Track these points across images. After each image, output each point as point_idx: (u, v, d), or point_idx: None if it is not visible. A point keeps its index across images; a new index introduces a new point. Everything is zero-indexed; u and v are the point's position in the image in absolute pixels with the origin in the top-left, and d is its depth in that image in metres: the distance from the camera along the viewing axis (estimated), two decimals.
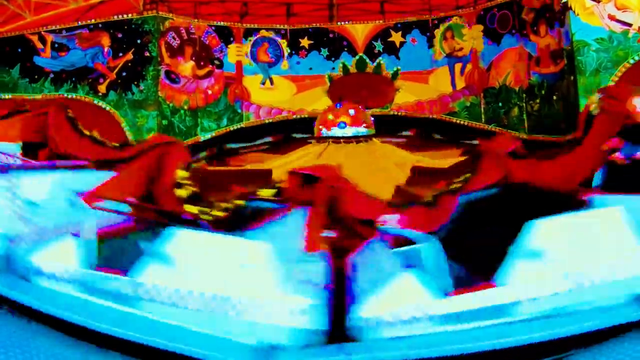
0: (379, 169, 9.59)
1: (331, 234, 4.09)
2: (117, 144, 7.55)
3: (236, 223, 3.99)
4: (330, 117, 12.11)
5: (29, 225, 3.73)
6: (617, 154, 4.09)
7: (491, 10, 12.92)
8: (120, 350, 2.84)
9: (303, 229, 3.81)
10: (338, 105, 12.53)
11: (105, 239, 3.87)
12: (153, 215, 5.07)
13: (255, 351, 2.71)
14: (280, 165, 9.72)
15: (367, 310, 2.91)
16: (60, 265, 3.32)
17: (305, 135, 12.58)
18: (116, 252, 3.70)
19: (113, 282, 3.13)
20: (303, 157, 10.75)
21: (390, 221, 4.19)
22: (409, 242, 3.97)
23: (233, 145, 12.82)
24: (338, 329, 2.93)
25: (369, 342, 2.86)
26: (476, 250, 3.83)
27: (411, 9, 13.59)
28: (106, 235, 3.99)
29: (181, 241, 3.10)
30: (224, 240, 3.13)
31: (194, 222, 4.43)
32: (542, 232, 3.04)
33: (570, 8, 10.29)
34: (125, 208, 4.76)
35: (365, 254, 3.57)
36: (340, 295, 3.20)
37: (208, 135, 12.75)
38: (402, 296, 2.92)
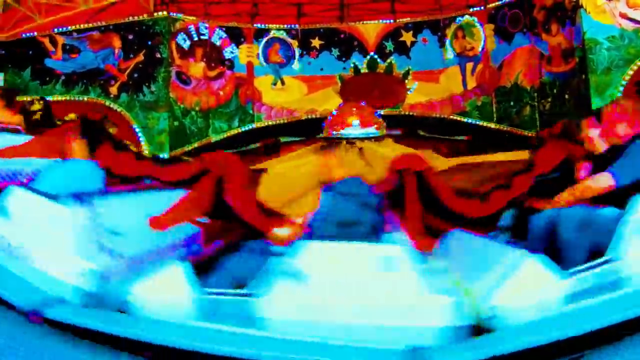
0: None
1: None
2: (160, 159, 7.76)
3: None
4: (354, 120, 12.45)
5: (114, 257, 3.50)
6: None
7: (502, 9, 13.20)
8: None
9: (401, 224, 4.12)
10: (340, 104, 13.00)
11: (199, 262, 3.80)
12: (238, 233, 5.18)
13: (402, 355, 2.67)
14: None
15: (498, 299, 2.91)
16: (169, 294, 3.16)
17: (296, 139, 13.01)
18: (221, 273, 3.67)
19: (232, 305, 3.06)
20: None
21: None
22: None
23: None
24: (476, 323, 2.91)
25: (505, 330, 2.85)
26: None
27: (422, 9, 13.89)
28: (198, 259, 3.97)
29: (310, 254, 3.04)
30: (362, 249, 3.08)
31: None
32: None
33: (582, 6, 10.56)
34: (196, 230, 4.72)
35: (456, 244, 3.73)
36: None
37: (219, 136, 13.16)
38: (527, 282, 2.92)
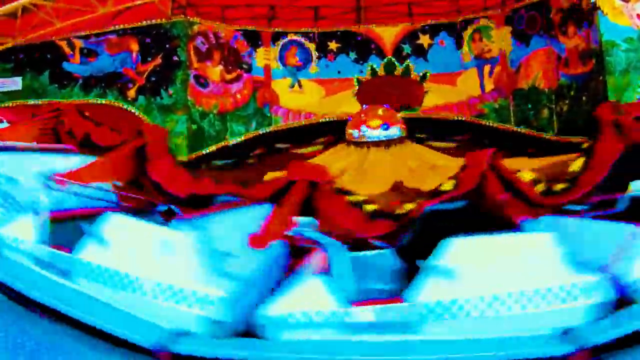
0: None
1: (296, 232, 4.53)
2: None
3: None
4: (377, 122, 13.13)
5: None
6: None
7: (519, 11, 13.80)
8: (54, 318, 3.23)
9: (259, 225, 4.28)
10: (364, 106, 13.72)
11: (57, 221, 4.13)
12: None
13: (166, 334, 3.01)
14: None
15: (274, 309, 3.16)
16: (21, 239, 3.78)
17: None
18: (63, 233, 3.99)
19: (56, 258, 3.59)
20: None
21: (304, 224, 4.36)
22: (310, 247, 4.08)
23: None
24: (244, 325, 3.20)
25: (271, 340, 3.09)
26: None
27: (439, 11, 14.49)
28: (58, 218, 4.25)
29: (116, 226, 3.47)
30: (151, 228, 3.51)
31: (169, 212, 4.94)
32: (456, 250, 3.18)
33: (599, 8, 11.10)
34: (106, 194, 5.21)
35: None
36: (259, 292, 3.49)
37: (237, 139, 13.87)
38: (308, 300, 3.13)
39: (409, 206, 6.35)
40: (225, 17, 14.18)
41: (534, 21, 13.60)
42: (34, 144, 5.51)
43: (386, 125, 12.88)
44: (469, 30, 14.49)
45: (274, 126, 14.35)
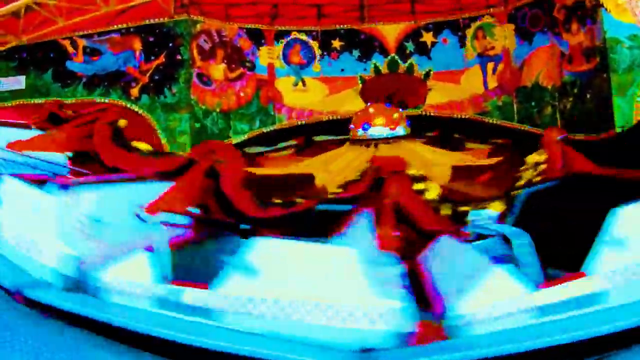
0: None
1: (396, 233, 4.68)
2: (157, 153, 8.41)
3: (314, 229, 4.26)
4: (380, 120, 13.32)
5: (97, 243, 3.95)
6: None
7: (522, 8, 13.97)
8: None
9: (374, 230, 4.32)
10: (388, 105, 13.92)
11: (178, 251, 4.19)
12: (216, 227, 5.54)
13: (349, 354, 3.04)
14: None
15: (462, 308, 3.23)
16: (134, 280, 3.66)
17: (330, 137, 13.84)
18: (193, 264, 4.07)
19: (195, 295, 3.49)
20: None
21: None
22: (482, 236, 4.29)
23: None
24: (428, 329, 3.24)
25: (464, 339, 3.14)
26: (559, 241, 4.06)
27: (442, 9, 14.67)
28: (178, 246, 4.32)
29: (264, 250, 3.44)
30: (309, 248, 3.46)
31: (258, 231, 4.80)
32: (626, 220, 3.26)
33: (602, 5, 11.23)
34: (186, 220, 5.12)
35: (443, 252, 3.99)
36: (422, 295, 3.56)
37: (241, 138, 14.04)
38: (494, 291, 3.22)
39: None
40: (229, 15, 14.35)
41: (537, 18, 13.75)
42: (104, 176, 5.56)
43: (384, 124, 13.07)
44: (472, 28, 14.66)
45: (278, 124, 14.54)
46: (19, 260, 3.80)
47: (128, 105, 13.31)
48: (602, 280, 3.20)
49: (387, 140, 13.34)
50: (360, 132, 13.31)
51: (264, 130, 14.38)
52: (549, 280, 3.33)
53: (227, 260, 3.55)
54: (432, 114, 14.45)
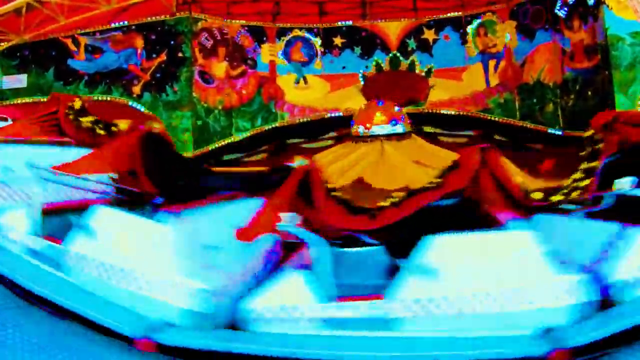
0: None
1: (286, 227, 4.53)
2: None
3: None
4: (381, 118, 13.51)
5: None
6: None
7: (524, 5, 14.10)
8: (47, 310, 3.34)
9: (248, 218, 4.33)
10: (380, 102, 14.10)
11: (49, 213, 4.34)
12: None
13: (151, 324, 3.10)
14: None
15: (255, 303, 3.26)
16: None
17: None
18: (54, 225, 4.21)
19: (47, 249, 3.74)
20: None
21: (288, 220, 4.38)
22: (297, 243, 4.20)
23: None
24: (228, 317, 3.30)
25: (252, 333, 3.19)
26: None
27: (444, 6, 14.84)
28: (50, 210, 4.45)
29: (439, 248, 3.33)
30: (139, 221, 3.57)
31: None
32: (438, 248, 3.26)
33: (604, 2, 11.33)
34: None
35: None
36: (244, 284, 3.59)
37: (243, 135, 14.25)
38: (289, 295, 3.23)
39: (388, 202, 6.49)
40: (230, 13, 14.55)
41: (539, 15, 13.88)
42: (34, 138, 5.71)
43: (394, 121, 13.21)
44: (474, 25, 14.82)
45: (280, 122, 14.74)
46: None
47: (130, 103, 13.48)
48: (397, 305, 3.19)
49: (389, 137, 13.44)
50: (360, 129, 13.46)
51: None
52: (349, 295, 3.33)
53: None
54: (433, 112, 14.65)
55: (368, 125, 13.22)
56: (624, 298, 3.19)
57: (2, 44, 13.69)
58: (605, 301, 3.22)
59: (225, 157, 13.49)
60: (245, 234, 4.32)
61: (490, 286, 3.18)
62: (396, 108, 13.60)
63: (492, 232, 3.52)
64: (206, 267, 3.57)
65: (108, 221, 3.75)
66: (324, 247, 4.00)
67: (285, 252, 4.37)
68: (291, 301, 3.25)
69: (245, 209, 4.53)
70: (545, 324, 3.05)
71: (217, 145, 13.74)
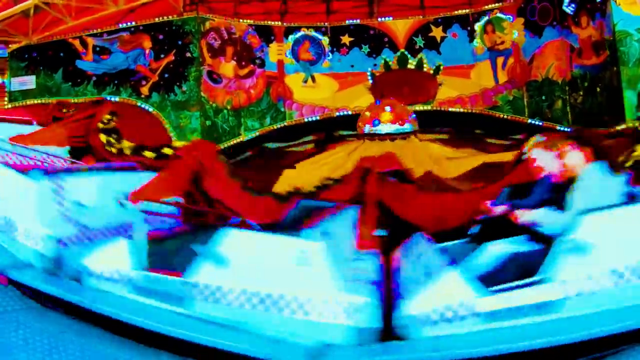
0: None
1: (383, 232, 4.76)
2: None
3: (290, 223, 4.30)
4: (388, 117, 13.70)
5: (78, 227, 4.11)
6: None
7: (532, 2, 14.25)
8: (173, 350, 3.29)
9: (355, 227, 4.38)
10: (377, 102, 14.31)
11: (155, 241, 4.22)
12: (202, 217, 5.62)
13: (308, 350, 3.02)
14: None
15: (413, 308, 3.17)
16: (113, 267, 3.71)
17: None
18: (168, 253, 4.10)
19: (167, 283, 3.54)
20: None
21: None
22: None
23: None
24: (387, 327, 3.21)
25: (415, 341, 3.10)
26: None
27: (451, 3, 15.00)
28: (157, 237, 4.36)
29: (235, 242, 3.42)
30: (278, 240, 3.41)
31: (243, 224, 4.82)
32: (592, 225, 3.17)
33: None
34: (173, 209, 5.25)
35: (410, 251, 4.01)
36: (389, 292, 3.56)
37: (252, 135, 14.43)
38: (446, 293, 3.15)
39: None
40: (238, 13, 14.75)
41: (547, 12, 14.03)
42: (96, 165, 5.67)
43: (391, 120, 13.43)
44: (482, 22, 14.96)
45: (289, 121, 14.93)
46: (5, 242, 3.98)
47: (138, 103, 13.66)
48: (557, 288, 3.12)
49: (395, 136, 13.63)
50: (367, 128, 13.66)
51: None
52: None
53: (199, 250, 3.60)
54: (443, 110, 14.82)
55: (375, 123, 13.41)
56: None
57: (11, 45, 13.90)
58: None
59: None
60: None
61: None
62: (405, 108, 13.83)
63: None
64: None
65: (241, 244, 3.63)
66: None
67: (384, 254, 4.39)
68: (449, 299, 3.17)
69: (347, 219, 4.44)
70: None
71: (226, 145, 13.92)
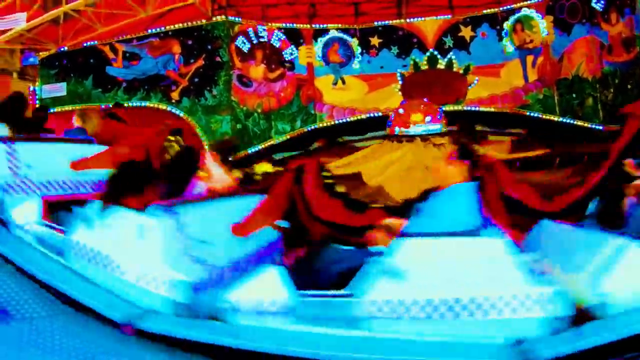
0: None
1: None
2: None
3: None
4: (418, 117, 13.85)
5: (206, 266, 3.88)
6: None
7: (560, 0, 14.41)
8: None
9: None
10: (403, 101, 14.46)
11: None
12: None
13: (504, 348, 2.95)
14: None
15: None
16: (266, 296, 3.54)
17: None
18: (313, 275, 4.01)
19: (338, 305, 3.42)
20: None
21: None
22: None
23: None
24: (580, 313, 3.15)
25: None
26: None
27: (479, 2, 15.14)
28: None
29: (407, 250, 3.33)
30: (454, 243, 3.36)
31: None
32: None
33: None
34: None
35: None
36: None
37: (282, 138, 14.61)
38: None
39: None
40: (266, 16, 14.94)
41: (576, 9, 14.14)
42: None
43: (430, 119, 13.53)
44: (511, 21, 15.03)
45: (320, 123, 15.09)
46: (123, 289, 3.73)
47: (168, 108, 13.85)
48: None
49: (426, 137, 13.70)
50: (397, 129, 13.77)
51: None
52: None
53: (369, 265, 3.43)
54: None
55: (405, 125, 13.54)
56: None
57: (41, 53, 14.15)
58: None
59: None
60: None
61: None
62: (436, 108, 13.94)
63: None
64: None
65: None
66: None
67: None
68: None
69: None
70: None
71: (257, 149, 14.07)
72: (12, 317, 3.46)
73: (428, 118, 13.81)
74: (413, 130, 13.78)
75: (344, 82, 15.35)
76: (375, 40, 15.53)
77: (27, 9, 13.22)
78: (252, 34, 14.63)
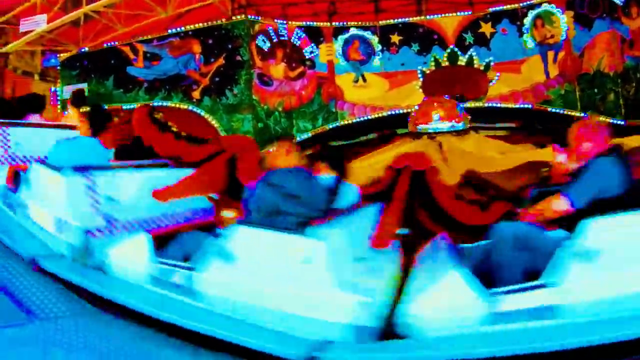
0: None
1: (405, 231, 4.80)
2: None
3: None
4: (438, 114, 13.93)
5: (107, 220, 4.40)
6: None
7: None
8: (182, 339, 3.39)
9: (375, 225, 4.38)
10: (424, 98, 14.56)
11: (165, 236, 4.40)
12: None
13: (309, 345, 3.04)
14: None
15: (416, 307, 3.18)
16: (133, 259, 3.95)
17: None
18: (178, 249, 4.27)
19: (178, 275, 3.73)
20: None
21: None
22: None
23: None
24: (388, 327, 3.22)
25: (417, 340, 3.08)
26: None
27: None
28: (166, 233, 4.57)
29: (242, 238, 3.49)
30: (282, 238, 3.45)
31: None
32: (597, 231, 3.10)
33: None
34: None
35: (428, 251, 4.05)
36: (398, 292, 3.61)
37: (304, 136, 14.69)
38: (450, 294, 3.16)
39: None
40: (286, 15, 15.03)
41: (596, 4, 14.21)
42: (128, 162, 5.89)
43: (441, 117, 13.63)
44: (531, 17, 15.06)
45: (342, 120, 15.18)
46: (42, 235, 4.30)
47: (190, 107, 13.97)
48: (563, 292, 3.12)
49: (444, 134, 13.78)
50: (419, 126, 13.87)
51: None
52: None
53: (209, 245, 3.69)
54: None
55: (422, 122, 13.62)
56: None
57: (62, 54, 14.30)
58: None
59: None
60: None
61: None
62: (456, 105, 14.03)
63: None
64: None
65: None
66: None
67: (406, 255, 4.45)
68: (453, 299, 3.23)
69: (367, 216, 4.44)
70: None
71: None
72: (36, 316, 3.50)
73: (448, 115, 13.93)
74: (434, 127, 13.90)
75: (364, 80, 15.41)
76: (395, 38, 15.57)
77: (48, 11, 13.30)
78: (272, 33, 14.73)
